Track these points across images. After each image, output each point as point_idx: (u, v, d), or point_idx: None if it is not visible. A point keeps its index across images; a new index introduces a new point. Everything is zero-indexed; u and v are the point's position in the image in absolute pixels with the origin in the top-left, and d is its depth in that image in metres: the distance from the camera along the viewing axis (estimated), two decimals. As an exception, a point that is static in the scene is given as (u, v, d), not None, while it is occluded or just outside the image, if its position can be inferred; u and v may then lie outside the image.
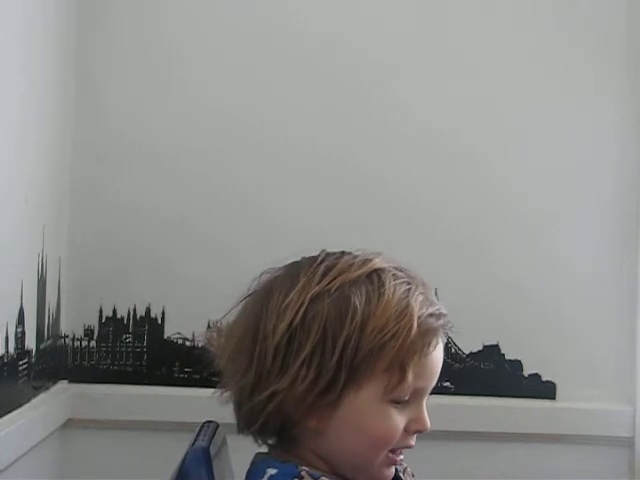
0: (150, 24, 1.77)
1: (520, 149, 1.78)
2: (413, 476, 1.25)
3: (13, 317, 1.45)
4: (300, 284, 1.13)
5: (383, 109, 1.77)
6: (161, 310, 1.76)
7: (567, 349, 1.77)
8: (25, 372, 1.51)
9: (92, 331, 1.76)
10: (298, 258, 1.19)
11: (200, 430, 1.26)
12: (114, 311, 1.76)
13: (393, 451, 1.14)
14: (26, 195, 1.49)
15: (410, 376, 1.10)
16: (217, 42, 1.76)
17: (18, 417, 1.45)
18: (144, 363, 1.76)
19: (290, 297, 1.12)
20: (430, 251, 1.74)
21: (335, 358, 1.09)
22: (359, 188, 1.76)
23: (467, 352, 1.76)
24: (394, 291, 1.12)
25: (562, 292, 1.77)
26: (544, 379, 1.77)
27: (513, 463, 1.75)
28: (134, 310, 1.76)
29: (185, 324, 1.75)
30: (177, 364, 1.76)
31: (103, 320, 1.76)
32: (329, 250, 1.18)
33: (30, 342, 1.53)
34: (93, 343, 1.76)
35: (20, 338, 1.47)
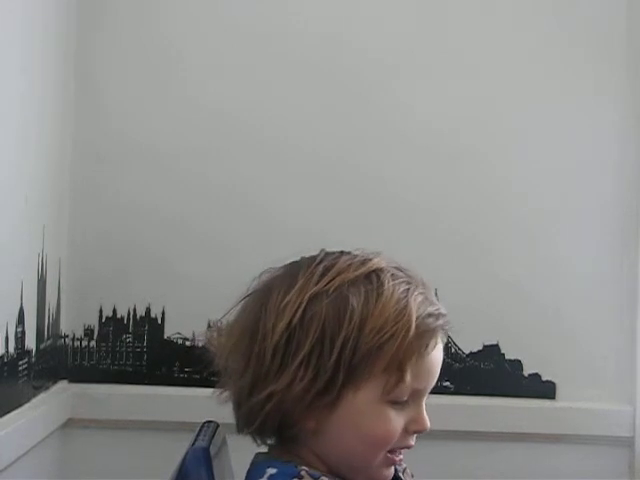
0: (150, 24, 1.77)
1: (520, 149, 1.78)
2: (412, 476, 1.25)
3: (13, 317, 1.45)
4: (299, 284, 1.13)
5: (383, 109, 1.77)
6: (161, 310, 1.76)
7: (567, 349, 1.77)
8: (25, 372, 1.51)
9: (92, 331, 1.76)
10: (298, 258, 1.19)
11: (200, 430, 1.26)
12: (114, 311, 1.76)
13: (392, 451, 1.13)
14: (26, 195, 1.49)
15: (408, 377, 1.10)
16: (217, 42, 1.76)
17: (18, 417, 1.45)
18: (144, 363, 1.77)
19: (289, 297, 1.12)
20: (430, 251, 1.74)
21: (333, 358, 1.09)
22: (359, 188, 1.76)
23: (467, 352, 1.76)
24: (393, 291, 1.12)
25: (562, 292, 1.77)
26: (544, 379, 1.77)
27: (513, 463, 1.75)
28: (134, 310, 1.76)
29: (185, 324, 1.75)
30: (177, 364, 1.76)
31: (103, 320, 1.76)
32: (328, 250, 1.18)
33: (30, 342, 1.53)
34: (93, 343, 1.76)
35: (20, 338, 1.47)
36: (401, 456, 1.16)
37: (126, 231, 1.76)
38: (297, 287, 1.13)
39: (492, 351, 1.77)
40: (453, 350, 1.75)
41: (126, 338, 1.76)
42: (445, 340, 1.16)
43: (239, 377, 1.14)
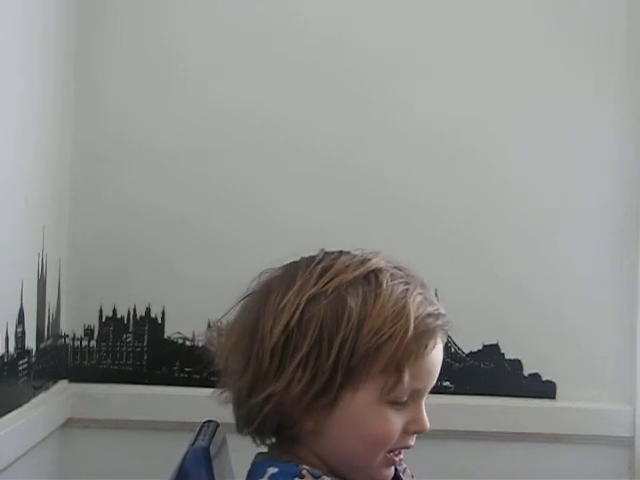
0: (150, 24, 1.77)
1: (520, 149, 1.78)
2: (412, 477, 1.25)
3: (13, 317, 1.45)
4: (297, 285, 1.13)
5: (383, 109, 1.77)
6: (161, 310, 1.76)
7: (567, 349, 1.77)
8: (25, 372, 1.51)
9: (92, 331, 1.76)
10: (297, 258, 1.18)
11: (200, 430, 1.26)
12: (114, 311, 1.76)
13: (392, 451, 1.13)
14: (26, 195, 1.49)
15: (406, 378, 1.10)
16: (217, 42, 1.76)
17: (18, 417, 1.45)
18: (144, 363, 1.77)
19: (287, 298, 1.12)
20: (430, 251, 1.74)
21: (331, 360, 1.09)
22: (359, 188, 1.76)
23: (467, 352, 1.76)
24: (391, 292, 1.12)
25: (562, 292, 1.77)
26: (544, 379, 1.77)
27: (513, 463, 1.75)
28: (134, 310, 1.76)
29: (185, 324, 1.75)
30: (177, 364, 1.76)
31: (103, 320, 1.76)
32: (328, 250, 1.18)
33: (30, 342, 1.53)
34: (93, 343, 1.76)
35: (20, 338, 1.47)
36: (401, 456, 1.15)
37: (126, 231, 1.76)
38: (295, 288, 1.12)
39: (492, 351, 1.77)
40: (453, 350, 1.75)
41: (126, 338, 1.76)
42: (445, 340, 1.16)
43: (238, 377, 1.14)
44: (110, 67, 1.76)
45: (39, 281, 1.57)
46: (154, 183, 1.76)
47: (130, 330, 1.76)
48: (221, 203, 1.76)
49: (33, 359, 1.55)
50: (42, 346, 1.60)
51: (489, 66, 1.78)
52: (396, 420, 1.12)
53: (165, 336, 1.76)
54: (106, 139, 1.76)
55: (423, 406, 1.14)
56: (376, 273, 1.13)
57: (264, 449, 1.19)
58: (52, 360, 1.67)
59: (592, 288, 1.77)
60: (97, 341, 1.76)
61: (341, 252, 1.17)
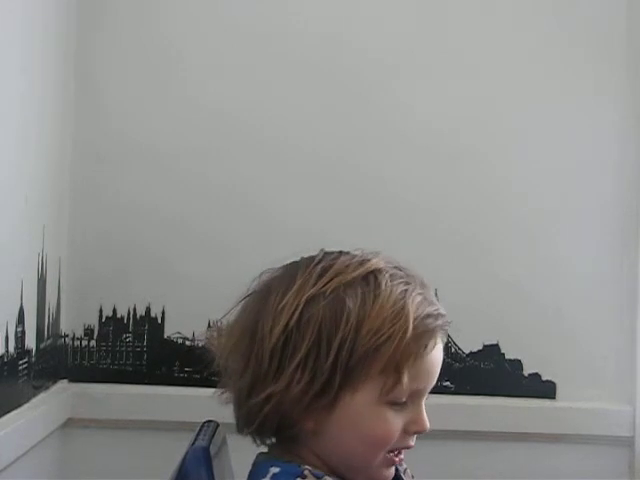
0: (150, 24, 1.77)
1: (520, 149, 1.78)
2: (413, 477, 1.25)
3: (13, 317, 1.45)
4: (296, 286, 1.13)
5: (383, 109, 1.77)
6: (161, 310, 1.76)
7: (567, 349, 1.77)
8: (25, 372, 1.51)
9: (92, 331, 1.76)
10: (298, 258, 1.18)
11: (200, 430, 1.26)
12: (114, 311, 1.76)
13: (392, 451, 1.13)
14: (26, 195, 1.49)
15: (405, 378, 1.10)
16: (217, 42, 1.77)
17: (18, 417, 1.45)
18: (144, 363, 1.77)
19: (286, 299, 1.12)
20: (430, 251, 1.74)
21: (330, 360, 1.09)
22: (359, 188, 1.76)
23: (467, 352, 1.76)
24: (390, 292, 1.12)
25: (562, 292, 1.77)
26: (544, 379, 1.77)
27: (513, 463, 1.75)
28: (134, 310, 1.76)
29: (185, 324, 1.75)
30: (177, 364, 1.76)
31: (103, 320, 1.76)
32: (328, 250, 1.18)
33: (30, 342, 1.53)
34: (93, 343, 1.76)
35: (20, 338, 1.47)
36: (401, 456, 1.15)
37: (126, 231, 1.76)
38: (294, 289, 1.12)
39: (492, 351, 1.77)
40: (453, 350, 1.75)
41: (126, 338, 1.76)
42: (445, 340, 1.16)
43: (238, 378, 1.14)
44: (110, 67, 1.76)
45: (39, 281, 1.57)
46: (154, 183, 1.76)
47: (130, 330, 1.76)
48: (221, 203, 1.76)
49: (33, 359, 1.55)
50: (42, 346, 1.60)
51: (489, 66, 1.78)
52: (396, 420, 1.12)
53: (165, 336, 1.76)
54: (106, 139, 1.76)
55: (423, 406, 1.14)
56: (375, 274, 1.13)
57: (264, 449, 1.19)
58: (52, 360, 1.67)
59: (592, 288, 1.77)
60: (97, 341, 1.76)
61: (341, 252, 1.17)
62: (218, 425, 1.29)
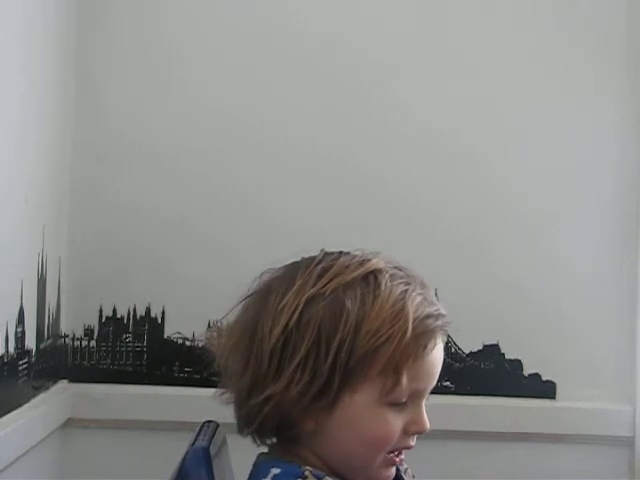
0: (150, 24, 1.77)
1: (520, 149, 1.78)
2: (413, 477, 1.25)
3: (13, 317, 1.45)
4: (296, 286, 1.12)
5: (383, 109, 1.77)
6: (161, 310, 1.76)
7: (567, 349, 1.77)
8: (25, 372, 1.51)
9: (92, 331, 1.76)
10: (298, 258, 1.18)
11: (200, 430, 1.26)
12: (114, 311, 1.76)
13: (392, 452, 1.13)
14: (26, 195, 1.49)
15: (404, 379, 1.10)
16: (217, 42, 1.77)
17: (18, 417, 1.45)
18: (144, 363, 1.77)
19: (286, 299, 1.12)
20: (430, 251, 1.74)
21: (329, 361, 1.09)
22: (359, 188, 1.76)
23: (467, 352, 1.76)
24: (390, 293, 1.11)
25: (562, 292, 1.77)
26: (544, 379, 1.77)
27: (513, 463, 1.75)
28: (134, 310, 1.76)
29: (185, 324, 1.75)
30: (177, 364, 1.76)
31: (103, 320, 1.76)
32: (328, 250, 1.18)
33: (30, 342, 1.53)
34: (93, 343, 1.76)
35: (20, 338, 1.47)
36: (402, 456, 1.15)
37: (126, 231, 1.76)
38: (294, 289, 1.12)
39: (492, 351, 1.77)
40: (453, 350, 1.75)
41: (126, 338, 1.76)
42: (445, 340, 1.16)
43: (239, 378, 1.14)
44: (110, 67, 1.76)
45: (39, 281, 1.57)
46: (154, 183, 1.76)
47: (130, 330, 1.76)
48: (221, 203, 1.76)
49: (33, 359, 1.55)
50: (42, 346, 1.60)
51: (489, 66, 1.78)
52: (396, 421, 1.12)
53: (165, 336, 1.76)
54: (106, 139, 1.76)
55: (423, 407, 1.14)
56: (375, 274, 1.13)
57: (265, 449, 1.19)
58: (52, 360, 1.67)
59: (592, 288, 1.77)
60: (97, 341, 1.76)
61: (341, 252, 1.17)
62: (218, 425, 1.29)
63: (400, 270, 1.15)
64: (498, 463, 1.75)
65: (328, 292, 1.11)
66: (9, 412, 1.43)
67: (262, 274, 1.18)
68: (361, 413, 1.10)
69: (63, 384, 1.74)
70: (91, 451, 1.74)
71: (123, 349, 1.76)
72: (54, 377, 1.70)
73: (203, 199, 1.76)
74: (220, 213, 1.76)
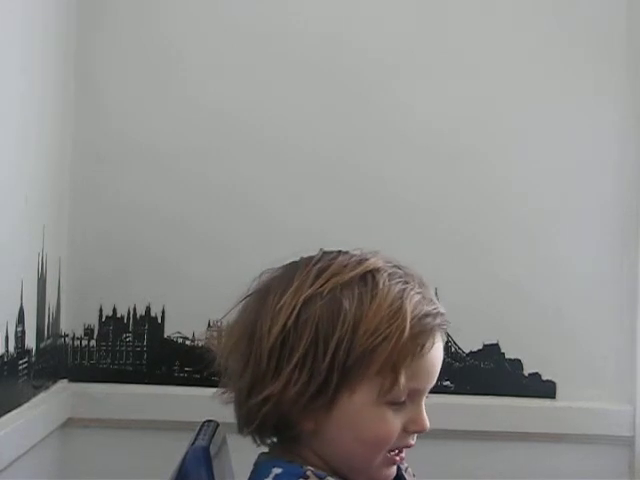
0: (150, 24, 1.77)
1: (520, 149, 1.78)
2: (414, 476, 1.25)
3: (13, 316, 1.45)
4: (294, 286, 1.13)
5: (383, 109, 1.77)
6: (161, 309, 1.76)
7: (567, 349, 1.77)
8: (25, 371, 1.51)
9: (92, 330, 1.76)
10: (297, 258, 1.18)
11: (200, 429, 1.26)
12: (114, 310, 1.76)
13: (392, 451, 1.13)
14: (26, 195, 1.49)
15: (403, 379, 1.10)
16: (217, 42, 1.76)
17: (18, 416, 1.45)
18: (144, 362, 1.77)
19: (284, 299, 1.12)
20: (430, 251, 1.74)
21: (327, 361, 1.09)
22: (359, 188, 1.76)
23: (467, 351, 1.76)
24: (388, 292, 1.11)
25: (562, 292, 1.77)
26: (544, 378, 1.77)
27: (513, 463, 1.75)
28: (134, 309, 1.76)
29: (185, 323, 1.75)
30: (177, 363, 1.76)
31: (103, 319, 1.76)
32: (327, 250, 1.18)
33: (30, 341, 1.53)
34: (93, 342, 1.76)
35: (20, 337, 1.47)
36: (402, 455, 1.15)
37: (126, 231, 1.76)
38: (292, 289, 1.12)
39: (492, 350, 1.77)
40: (453, 349, 1.75)
41: (126, 337, 1.76)
42: (444, 339, 1.16)
43: (238, 378, 1.14)
44: (110, 67, 1.76)
45: (39, 281, 1.58)
46: (154, 183, 1.76)
47: (130, 330, 1.76)
48: (221, 203, 1.76)
49: (33, 359, 1.55)
50: (42, 346, 1.60)
51: (489, 66, 1.78)
52: (395, 420, 1.12)
53: (165, 336, 1.76)
54: (106, 139, 1.76)
55: (423, 406, 1.14)
56: (373, 273, 1.13)
57: (265, 449, 1.19)
58: (52, 360, 1.67)
59: (592, 288, 1.77)
60: (97, 341, 1.76)
61: (340, 252, 1.17)
62: (218, 425, 1.29)
63: (398, 269, 1.15)
64: (498, 463, 1.75)
65: (326, 292, 1.11)
66: (9, 412, 1.43)
67: (261, 274, 1.19)
68: (360, 413, 1.10)
69: (63, 384, 1.74)
70: (91, 451, 1.74)
71: (123, 349, 1.76)
72: (54, 377, 1.70)
73: (203, 199, 1.76)
74: (220, 213, 1.76)
